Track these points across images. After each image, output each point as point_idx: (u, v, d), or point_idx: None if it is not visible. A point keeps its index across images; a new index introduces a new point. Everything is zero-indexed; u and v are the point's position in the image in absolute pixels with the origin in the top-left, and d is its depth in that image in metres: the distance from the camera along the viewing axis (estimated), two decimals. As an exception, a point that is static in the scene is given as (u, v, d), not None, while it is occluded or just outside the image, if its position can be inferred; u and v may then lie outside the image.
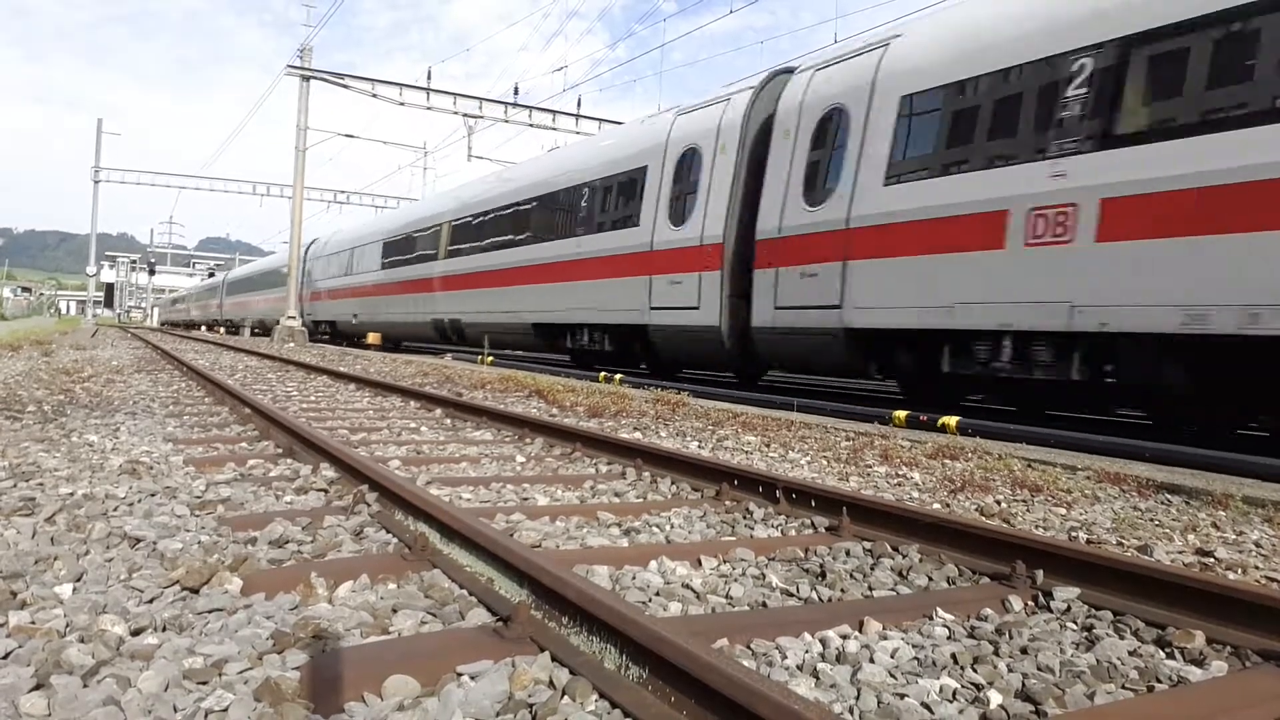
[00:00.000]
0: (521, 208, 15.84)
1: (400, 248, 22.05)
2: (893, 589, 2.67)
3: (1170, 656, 2.16)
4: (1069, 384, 7.07)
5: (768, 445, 5.83)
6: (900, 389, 9.81)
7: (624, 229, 12.50)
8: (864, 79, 8.88)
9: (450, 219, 19.30)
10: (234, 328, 41.81)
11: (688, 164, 11.43)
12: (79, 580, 2.30)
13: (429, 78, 25.01)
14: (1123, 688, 1.95)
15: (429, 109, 24.80)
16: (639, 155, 12.55)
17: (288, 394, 8.83)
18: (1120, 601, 2.49)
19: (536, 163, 17.05)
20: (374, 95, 24.46)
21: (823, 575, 2.76)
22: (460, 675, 1.79)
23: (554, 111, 26.32)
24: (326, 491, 3.71)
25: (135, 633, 1.94)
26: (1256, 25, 5.85)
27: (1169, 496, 4.39)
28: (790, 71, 10.56)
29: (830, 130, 9.23)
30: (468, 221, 18.22)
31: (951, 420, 6.55)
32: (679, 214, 11.39)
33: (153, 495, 3.43)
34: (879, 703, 1.77)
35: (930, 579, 2.77)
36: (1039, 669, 2.01)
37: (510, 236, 16.11)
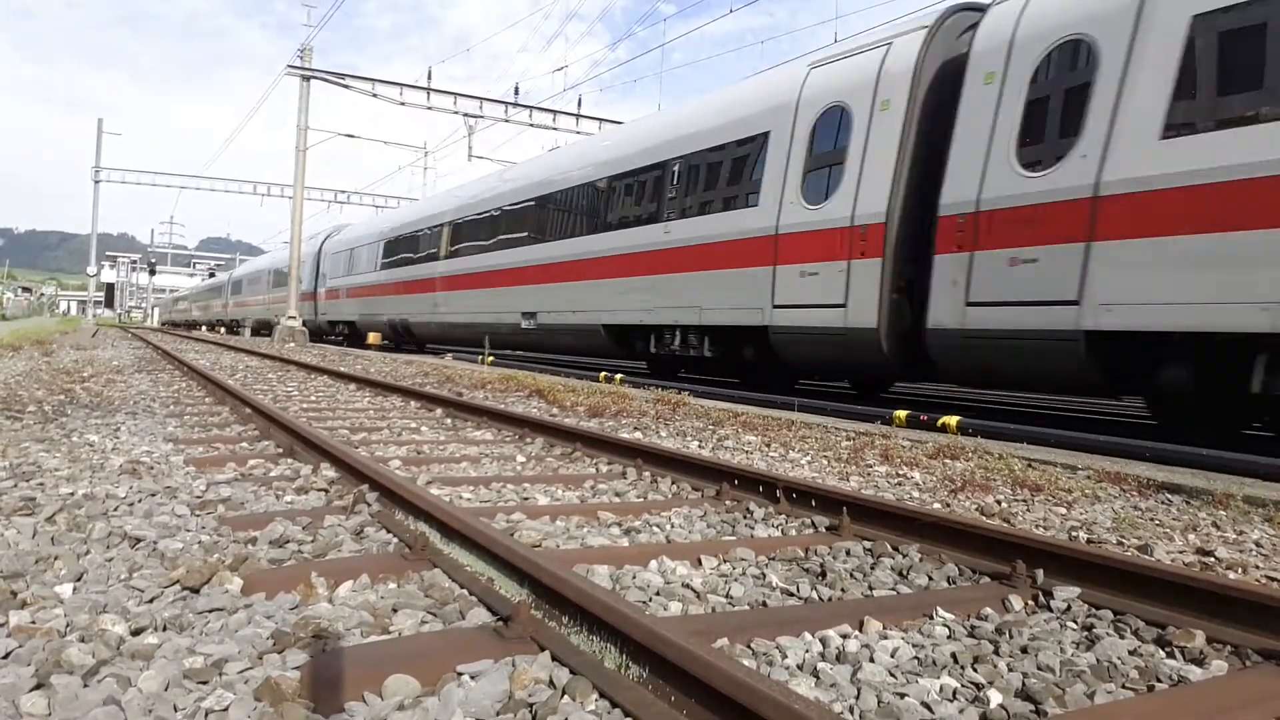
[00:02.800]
0: (587, 190, 13.59)
1: (428, 243, 19.79)
2: (893, 588, 2.67)
3: (1170, 656, 2.16)
4: None
5: (768, 445, 5.83)
6: (1150, 410, 7.73)
7: (736, 210, 10.39)
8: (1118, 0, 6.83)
9: (502, 205, 16.57)
10: (239, 328, 40.73)
11: (831, 126, 9.33)
12: (79, 580, 2.30)
13: (429, 77, 25.02)
14: (1123, 687, 1.95)
15: (429, 109, 24.81)
16: (756, 119, 10.33)
17: (288, 394, 8.83)
18: (1120, 601, 2.49)
19: (607, 137, 14.70)
20: (374, 95, 24.48)
21: (823, 575, 2.76)
22: (460, 675, 1.79)
23: (554, 111, 26.34)
24: (327, 491, 3.71)
25: (135, 632, 1.94)
26: None
27: (1169, 496, 4.39)
28: (975, 8, 8.69)
29: (1061, 71, 7.18)
30: (518, 208, 15.88)
31: (952, 420, 6.55)
32: (818, 189, 9.32)
33: (153, 495, 3.43)
34: (879, 702, 1.77)
35: (930, 578, 2.77)
36: (1039, 668, 2.01)
37: (571, 224, 13.89)
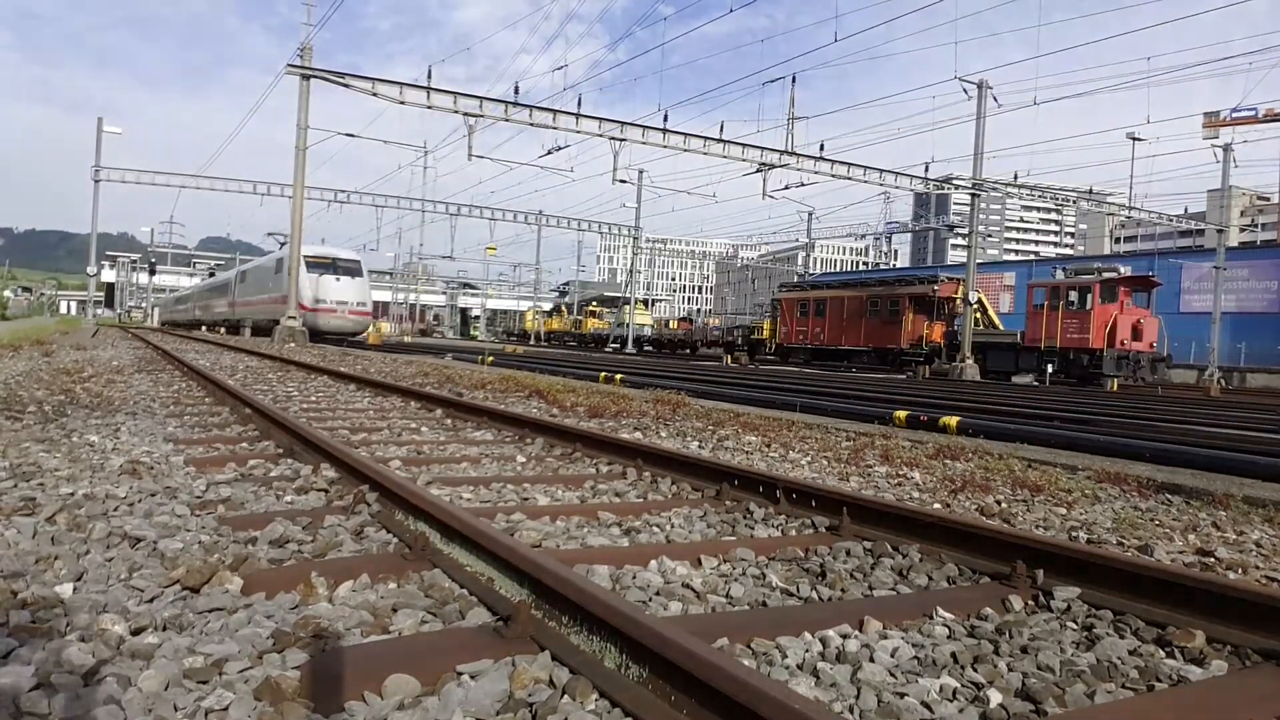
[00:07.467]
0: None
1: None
2: (893, 588, 2.67)
3: (1170, 656, 2.16)
4: None
5: (768, 445, 5.83)
6: None
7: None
8: None
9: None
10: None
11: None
12: (79, 580, 2.30)
13: (429, 77, 24.97)
14: (1123, 687, 1.95)
15: (429, 108, 24.74)
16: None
17: (288, 394, 8.83)
18: (1120, 601, 2.48)
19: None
20: (374, 94, 24.42)
21: (823, 575, 2.76)
22: (460, 674, 1.79)
23: (554, 111, 26.28)
24: (327, 491, 3.71)
25: (136, 632, 1.94)
26: None
27: (1169, 496, 4.39)
28: None
29: None
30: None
31: (952, 420, 6.55)
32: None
33: (153, 495, 3.43)
34: (879, 702, 1.77)
35: (930, 579, 2.77)
36: (1039, 668, 2.01)
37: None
